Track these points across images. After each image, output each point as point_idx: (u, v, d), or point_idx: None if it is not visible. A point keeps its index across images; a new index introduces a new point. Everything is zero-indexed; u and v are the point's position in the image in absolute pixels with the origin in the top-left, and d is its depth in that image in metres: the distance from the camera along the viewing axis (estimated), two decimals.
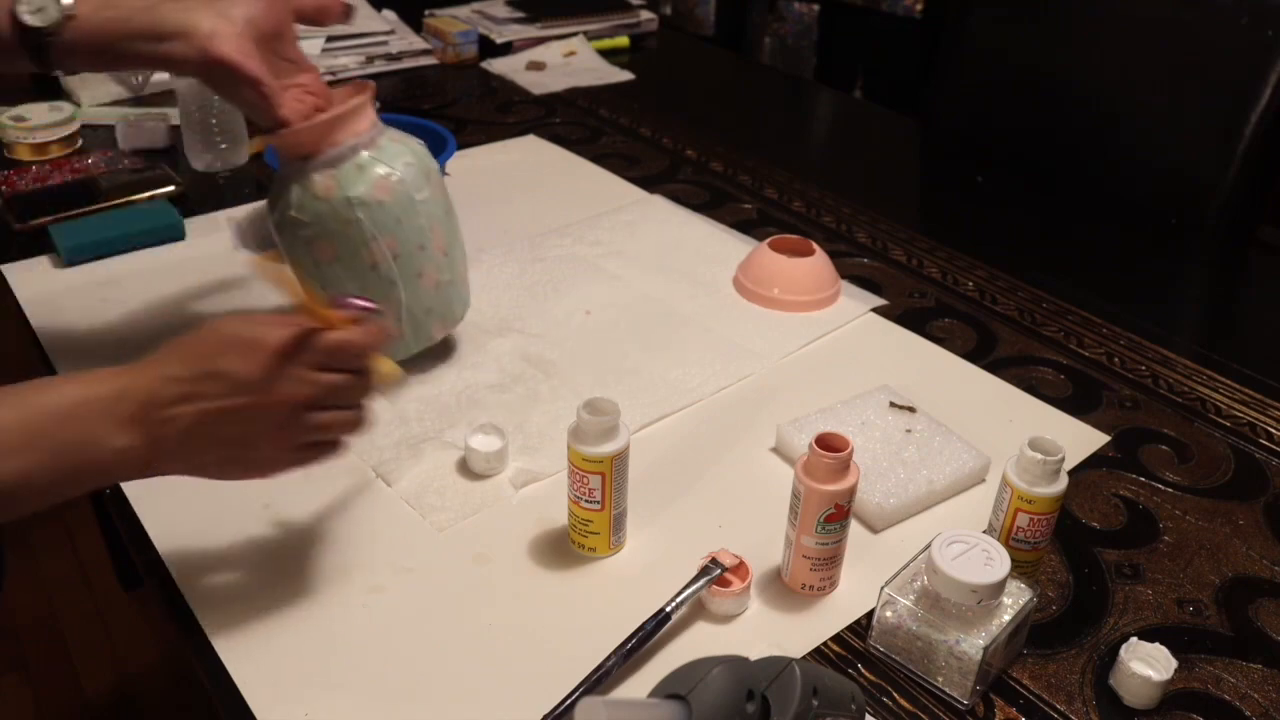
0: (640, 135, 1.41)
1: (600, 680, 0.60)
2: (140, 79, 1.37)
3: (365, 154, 0.77)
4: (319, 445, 0.63)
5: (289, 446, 0.62)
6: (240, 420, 0.59)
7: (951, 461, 0.78)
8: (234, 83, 0.73)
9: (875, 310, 1.02)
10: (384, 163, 0.78)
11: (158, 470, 0.59)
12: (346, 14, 0.81)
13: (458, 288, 0.86)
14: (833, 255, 1.05)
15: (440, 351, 0.91)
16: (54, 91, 1.36)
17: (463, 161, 1.27)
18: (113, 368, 0.58)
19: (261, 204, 1.08)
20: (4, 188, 1.13)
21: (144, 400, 0.57)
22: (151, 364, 0.58)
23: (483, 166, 1.28)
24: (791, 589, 0.69)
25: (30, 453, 0.55)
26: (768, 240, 1.03)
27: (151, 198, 1.13)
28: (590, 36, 1.75)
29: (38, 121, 1.22)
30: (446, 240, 0.83)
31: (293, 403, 0.59)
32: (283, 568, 0.69)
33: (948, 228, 1.20)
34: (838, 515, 0.65)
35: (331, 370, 0.60)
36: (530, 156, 1.33)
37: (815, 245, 1.03)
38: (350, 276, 0.78)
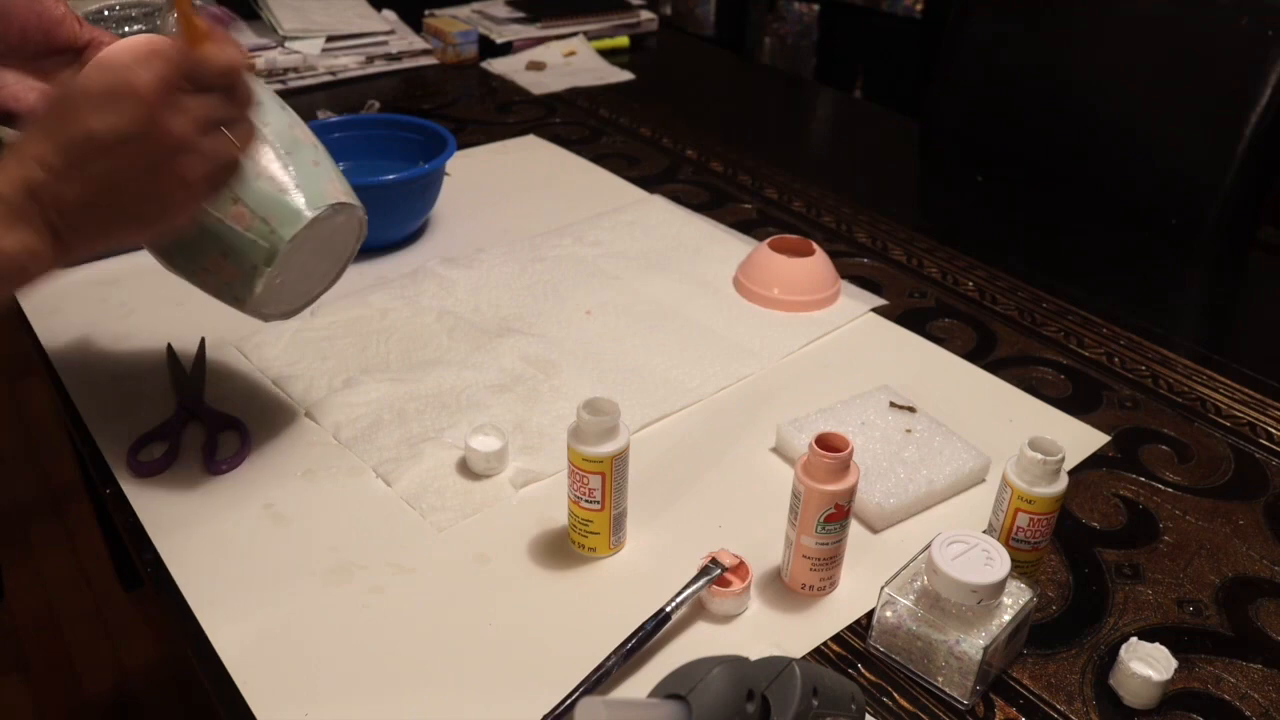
0: (640, 135, 1.41)
1: (600, 680, 0.60)
2: None
3: None
4: (222, 166, 0.60)
5: (192, 179, 0.58)
6: (132, 176, 0.55)
7: (951, 461, 0.78)
8: (21, 120, 0.68)
9: (875, 310, 1.02)
10: None
11: (71, 255, 0.56)
12: None
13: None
14: (833, 255, 1.05)
15: (441, 352, 0.91)
16: None
17: (463, 161, 1.27)
18: None
19: None
20: None
21: (22, 192, 0.53)
22: (16, 149, 0.54)
23: (483, 166, 1.28)
24: (791, 589, 0.69)
25: None
26: (768, 240, 1.03)
27: None
28: (590, 36, 1.75)
29: None
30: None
31: (180, 139, 0.56)
32: (283, 568, 0.69)
33: (948, 228, 1.20)
34: (838, 515, 0.65)
35: (206, 90, 0.57)
36: (530, 156, 1.33)
37: (815, 245, 1.03)
38: None
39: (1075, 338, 1.00)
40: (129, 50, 0.55)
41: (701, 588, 0.65)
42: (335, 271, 0.80)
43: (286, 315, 0.77)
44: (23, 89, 0.69)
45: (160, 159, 0.56)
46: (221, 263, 0.70)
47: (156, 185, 0.57)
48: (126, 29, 1.24)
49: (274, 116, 0.73)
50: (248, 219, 0.69)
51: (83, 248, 0.57)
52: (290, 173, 0.71)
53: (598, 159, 1.31)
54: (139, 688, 1.64)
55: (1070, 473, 0.73)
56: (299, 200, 0.71)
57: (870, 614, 0.66)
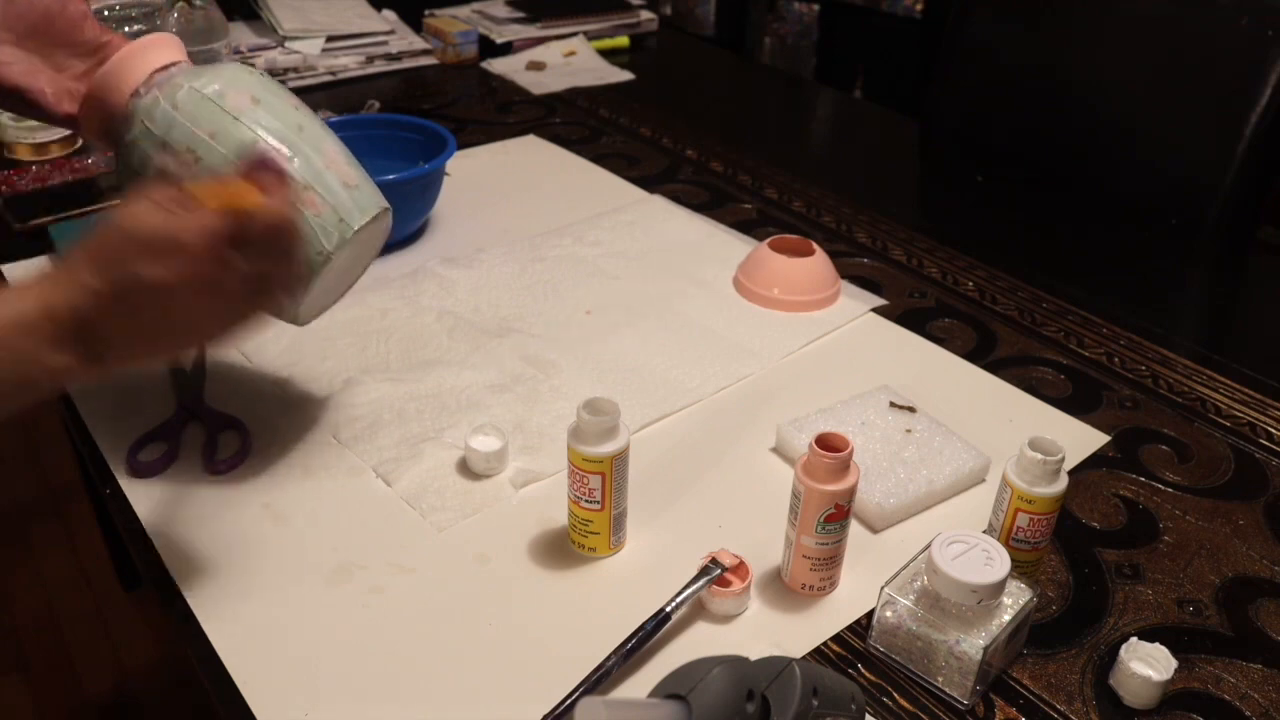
0: (640, 135, 1.41)
1: (600, 680, 0.60)
2: None
3: (149, 95, 0.68)
4: (257, 306, 0.61)
5: (228, 318, 0.60)
6: (175, 317, 0.57)
7: (951, 461, 0.78)
8: (1, 96, 0.69)
9: (875, 310, 1.02)
10: (160, 99, 0.68)
11: (103, 373, 0.58)
12: None
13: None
14: (833, 255, 1.05)
15: (441, 352, 0.91)
16: None
17: (463, 161, 1.27)
18: (27, 281, 0.56)
19: None
20: (4, 188, 1.13)
21: (72, 317, 0.55)
22: (68, 274, 0.56)
23: (483, 166, 1.28)
24: (791, 589, 0.69)
25: None
26: (768, 240, 1.03)
27: None
28: (590, 36, 1.75)
29: (38, 121, 1.22)
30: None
31: (231, 290, 0.58)
32: (283, 568, 0.69)
33: (948, 228, 1.20)
34: (838, 515, 0.65)
35: (258, 250, 0.58)
36: (530, 156, 1.33)
37: (815, 245, 1.03)
38: None
39: (1075, 338, 1.00)
40: (181, 200, 0.56)
41: (701, 588, 0.65)
42: (354, 278, 0.80)
43: (308, 320, 0.76)
44: (32, 70, 0.69)
45: (204, 304, 0.58)
46: None
47: (196, 322, 0.59)
48: (126, 29, 1.24)
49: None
50: (318, 205, 0.70)
51: (116, 367, 0.59)
52: (355, 170, 0.73)
53: (598, 159, 1.31)
54: (139, 688, 1.64)
55: (1070, 473, 0.73)
56: (364, 196, 0.73)
57: (870, 614, 0.66)
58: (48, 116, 0.71)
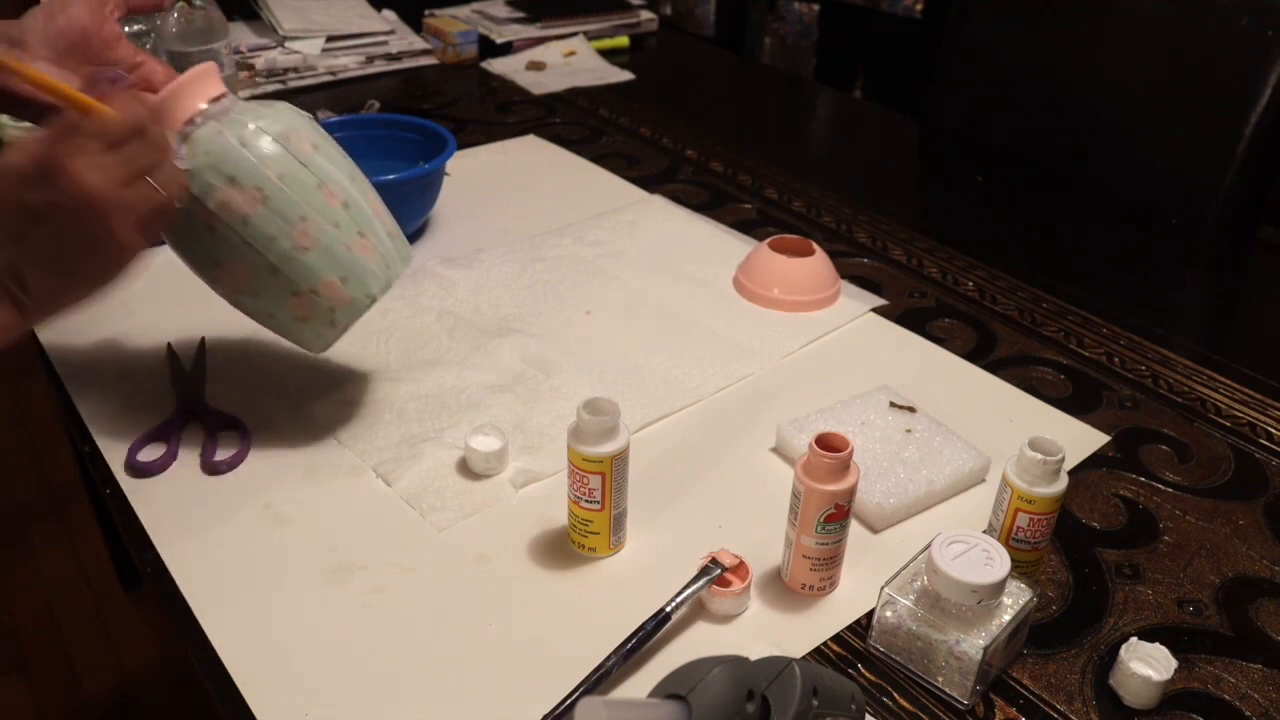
0: (640, 135, 1.41)
1: (600, 680, 0.60)
2: None
3: (208, 126, 0.70)
4: (153, 213, 0.63)
5: (125, 227, 0.61)
6: (69, 238, 0.60)
7: (951, 461, 0.78)
8: (40, 112, 0.70)
9: (875, 310, 1.02)
10: (224, 132, 0.70)
11: (33, 318, 0.61)
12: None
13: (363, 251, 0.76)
14: (833, 255, 1.05)
15: (441, 352, 0.91)
16: None
17: (463, 161, 1.27)
18: None
19: None
20: None
21: None
22: None
23: (483, 166, 1.28)
24: (791, 589, 0.69)
25: None
26: (768, 240, 1.03)
27: None
28: (590, 36, 1.75)
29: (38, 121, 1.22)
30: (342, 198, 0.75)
31: (101, 190, 0.60)
32: (283, 568, 0.69)
33: (948, 228, 1.20)
34: (838, 515, 0.65)
35: (118, 147, 0.61)
36: (530, 156, 1.33)
37: (815, 245, 1.03)
38: (228, 248, 0.72)
39: (1075, 338, 1.00)
40: (42, 131, 0.61)
41: (701, 588, 0.65)
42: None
43: (326, 348, 0.79)
44: (132, 96, 0.70)
45: (90, 216, 0.60)
46: (337, 286, 0.73)
47: (94, 242, 0.61)
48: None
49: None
50: (370, 251, 0.75)
51: (43, 310, 0.62)
52: (391, 218, 0.78)
53: (598, 159, 1.31)
54: (139, 688, 1.64)
55: (1070, 473, 0.73)
56: (402, 245, 0.79)
57: (870, 614, 0.66)
58: None
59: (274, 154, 0.71)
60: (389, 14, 1.69)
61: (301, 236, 0.71)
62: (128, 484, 0.75)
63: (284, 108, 0.75)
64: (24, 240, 0.59)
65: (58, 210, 0.59)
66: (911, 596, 0.63)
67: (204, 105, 0.71)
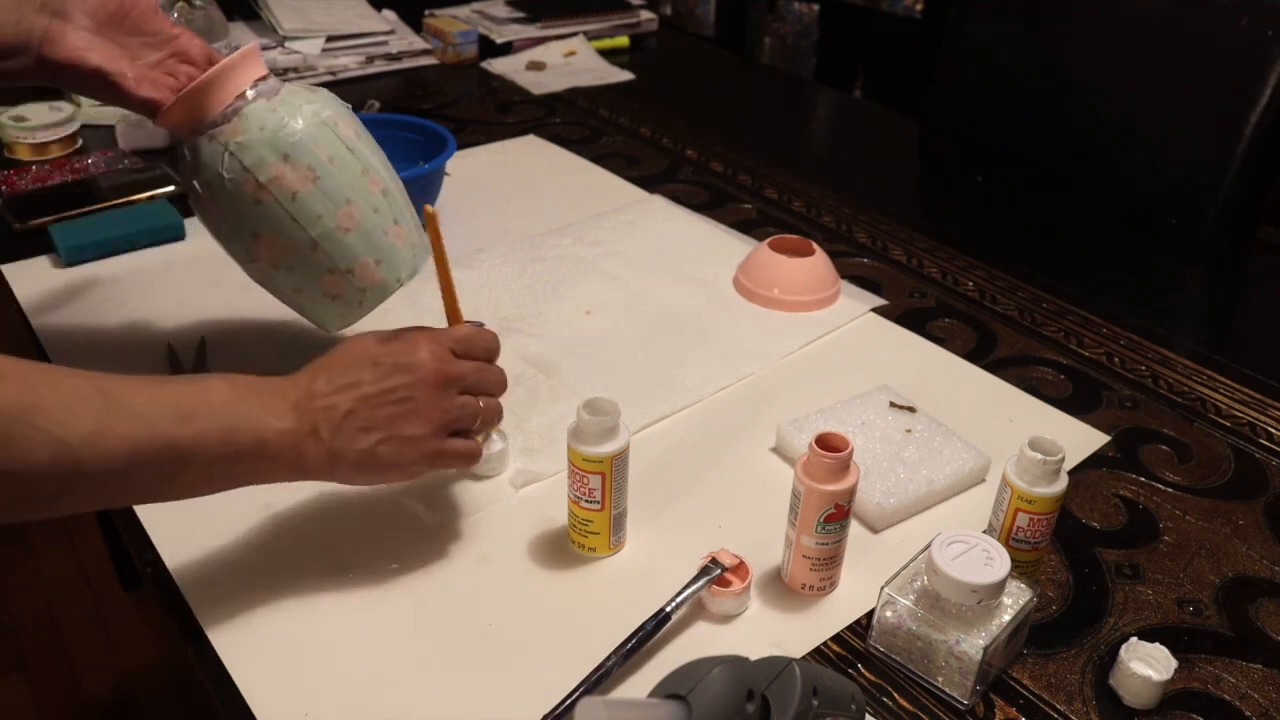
0: (640, 135, 1.41)
1: (600, 680, 0.60)
2: None
3: (260, 103, 0.72)
4: (463, 432, 0.67)
5: (439, 424, 0.64)
6: (396, 396, 0.63)
7: (951, 461, 0.78)
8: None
9: (875, 310, 1.02)
10: (279, 110, 0.72)
11: (318, 457, 0.62)
12: None
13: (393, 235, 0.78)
14: (833, 255, 1.05)
15: None
16: (54, 91, 1.36)
17: (463, 161, 1.27)
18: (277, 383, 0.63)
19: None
20: (4, 188, 1.13)
21: (304, 392, 0.62)
22: (305, 372, 0.64)
23: (483, 166, 1.28)
24: (791, 589, 0.69)
25: (203, 420, 0.58)
26: (768, 240, 1.03)
27: (151, 198, 1.13)
28: (590, 36, 1.75)
29: (38, 121, 1.22)
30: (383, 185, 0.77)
31: (445, 375, 0.64)
32: (283, 568, 0.69)
33: (948, 228, 1.20)
34: (838, 515, 0.65)
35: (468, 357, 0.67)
36: (530, 156, 1.33)
37: (815, 245, 1.03)
38: (272, 224, 0.74)
39: (1075, 338, 1.00)
40: (419, 333, 0.66)
41: (701, 588, 0.65)
42: None
43: (342, 329, 0.81)
44: (113, 55, 0.72)
45: (418, 388, 0.64)
46: (372, 268, 0.75)
47: (405, 412, 0.64)
48: None
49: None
50: (405, 237, 0.77)
51: (334, 458, 0.63)
52: (414, 210, 0.79)
53: (598, 159, 1.31)
54: (139, 688, 1.64)
55: (1070, 473, 0.73)
56: (422, 233, 0.80)
57: (870, 614, 0.66)
58: (125, 99, 0.73)
59: (325, 137, 0.73)
60: (389, 14, 1.69)
61: (345, 218, 0.73)
62: None
63: (329, 95, 0.77)
64: (351, 384, 0.63)
65: (394, 373, 0.64)
66: (911, 596, 0.63)
67: (249, 86, 0.73)
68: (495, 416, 0.69)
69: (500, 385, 0.69)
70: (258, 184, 0.71)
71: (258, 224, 0.73)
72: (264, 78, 0.74)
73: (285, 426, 0.61)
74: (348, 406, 0.62)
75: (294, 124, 0.72)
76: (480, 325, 0.71)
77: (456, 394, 0.65)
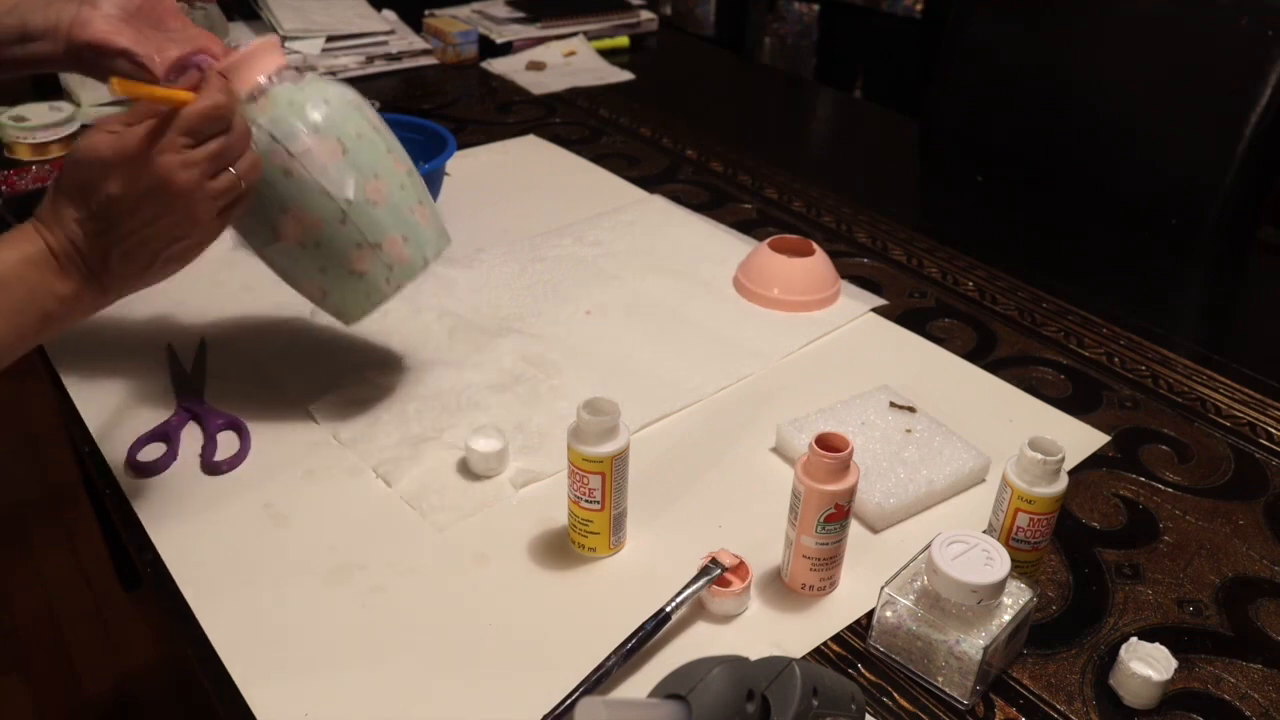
0: (640, 135, 1.41)
1: (600, 680, 0.60)
2: None
3: (287, 84, 0.74)
4: (233, 201, 0.68)
5: (208, 218, 0.67)
6: (156, 227, 0.65)
7: (951, 461, 0.78)
8: (107, 61, 0.73)
9: (875, 310, 1.02)
10: (306, 89, 0.74)
11: (109, 298, 0.66)
12: None
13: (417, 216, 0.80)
14: (833, 255, 1.05)
15: (441, 352, 0.91)
16: (54, 91, 1.36)
17: (463, 161, 1.27)
18: (21, 226, 0.64)
19: None
20: (4, 188, 1.13)
21: (68, 248, 0.63)
22: (51, 211, 0.64)
23: (483, 166, 1.28)
24: (791, 589, 0.69)
25: None
26: (768, 240, 1.03)
27: None
28: (590, 36, 1.75)
29: (38, 121, 1.22)
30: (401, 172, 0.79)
31: (190, 186, 0.64)
32: (283, 568, 0.69)
33: (948, 228, 1.20)
34: (838, 515, 0.65)
35: (204, 139, 0.65)
36: (530, 156, 1.33)
37: (815, 245, 1.03)
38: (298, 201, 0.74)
39: (1075, 338, 1.00)
40: (123, 117, 0.65)
41: (701, 588, 0.65)
42: None
43: (363, 317, 0.81)
44: (140, 39, 0.74)
45: (174, 210, 0.65)
46: (399, 244, 0.77)
47: (177, 229, 0.66)
48: None
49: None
50: (427, 218, 0.79)
51: (121, 290, 0.67)
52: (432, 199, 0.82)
53: (598, 159, 1.31)
54: (139, 688, 1.64)
55: (1070, 473, 0.73)
56: (440, 217, 0.82)
57: (870, 614, 0.66)
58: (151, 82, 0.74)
59: (352, 116, 0.75)
60: (389, 14, 1.69)
61: (374, 191, 0.75)
62: (128, 484, 0.75)
63: (346, 87, 0.78)
64: (113, 227, 0.63)
65: (142, 202, 0.63)
66: (911, 596, 0.63)
67: (274, 71, 0.74)
68: (255, 173, 0.69)
69: (244, 138, 0.68)
70: (288, 154, 0.72)
71: (287, 198, 0.73)
72: (286, 67, 0.76)
73: (69, 291, 0.64)
74: (115, 251, 0.64)
75: (321, 102, 0.74)
76: (195, 69, 0.71)
77: (209, 181, 0.66)
